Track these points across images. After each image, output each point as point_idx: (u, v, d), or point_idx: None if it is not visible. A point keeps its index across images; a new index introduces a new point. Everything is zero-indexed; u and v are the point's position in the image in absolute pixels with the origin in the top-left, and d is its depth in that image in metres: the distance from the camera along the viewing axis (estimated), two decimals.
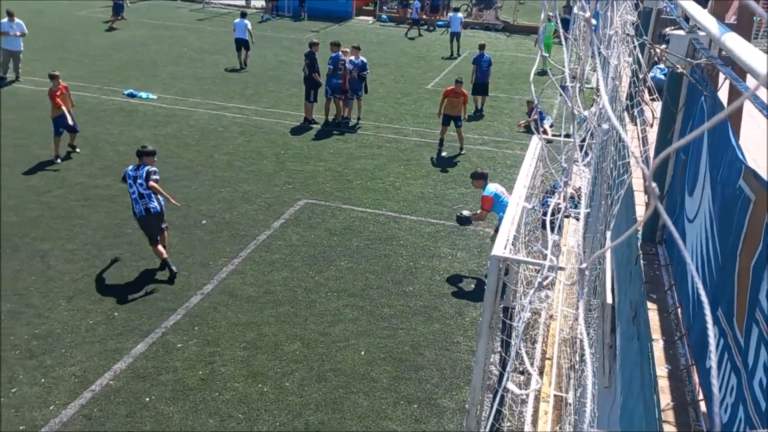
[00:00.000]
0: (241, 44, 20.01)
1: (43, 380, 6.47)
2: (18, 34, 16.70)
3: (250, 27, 19.94)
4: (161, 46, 22.75)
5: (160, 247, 8.49)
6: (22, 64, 17.17)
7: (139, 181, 8.28)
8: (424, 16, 30.66)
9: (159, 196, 8.43)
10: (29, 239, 9.13)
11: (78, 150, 12.47)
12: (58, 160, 11.95)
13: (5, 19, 16.66)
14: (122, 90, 16.75)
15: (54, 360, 6.78)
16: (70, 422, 5.98)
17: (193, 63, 20.65)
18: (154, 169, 8.46)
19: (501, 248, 4.26)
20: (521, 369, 5.75)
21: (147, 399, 6.36)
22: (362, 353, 7.29)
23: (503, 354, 5.76)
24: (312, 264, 9.11)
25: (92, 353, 6.93)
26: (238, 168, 12.34)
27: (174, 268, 8.43)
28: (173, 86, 17.68)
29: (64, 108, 11.85)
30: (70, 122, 11.98)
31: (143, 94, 16.50)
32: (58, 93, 11.90)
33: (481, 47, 17.08)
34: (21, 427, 5.87)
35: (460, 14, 25.90)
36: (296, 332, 7.59)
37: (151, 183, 8.26)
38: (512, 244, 4.49)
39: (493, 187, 8.61)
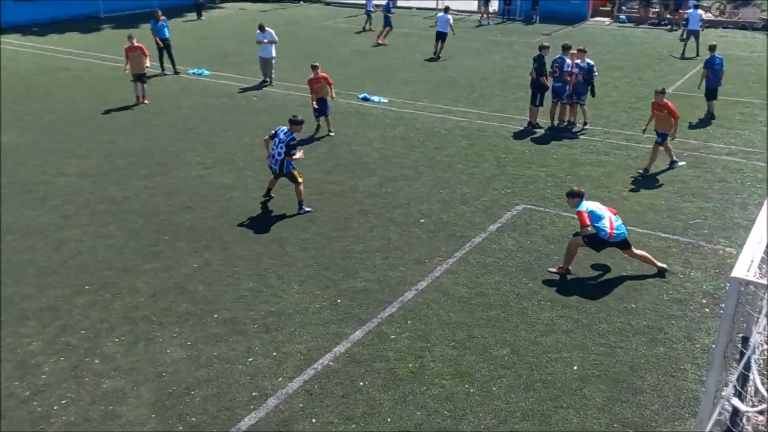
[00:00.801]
0: (440, 37, 22.62)
1: (274, 354, 7.19)
2: (266, 41, 18.77)
3: (451, 21, 22.82)
4: (397, 53, 23.98)
5: (298, 188, 10.63)
6: (274, 70, 19.27)
7: (281, 145, 10.34)
8: (668, 15, 28.35)
9: (288, 160, 10.40)
10: (271, 226, 10.21)
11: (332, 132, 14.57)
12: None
13: (258, 31, 18.87)
14: (358, 94, 17.98)
15: (285, 336, 7.48)
16: (294, 395, 6.56)
17: (423, 68, 21.46)
18: (295, 142, 10.41)
19: (743, 270, 3.77)
20: (761, 408, 5.02)
21: (361, 383, 6.73)
22: (575, 368, 6.96)
23: (739, 388, 5.09)
24: (526, 270, 8.92)
25: (317, 334, 7.53)
26: (459, 170, 12.53)
27: (306, 208, 10.60)
28: (403, 90, 18.54)
29: (314, 95, 14.43)
30: (315, 105, 14.42)
31: (376, 98, 17.55)
32: (315, 81, 14.28)
33: (712, 48, 15.67)
34: (254, 393, 6.57)
35: (700, 11, 23.56)
36: (506, 338, 7.49)
37: (296, 156, 10.47)
38: (758, 267, 3.94)
39: (588, 204, 8.62)
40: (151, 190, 11.56)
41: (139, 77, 17.01)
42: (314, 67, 14.47)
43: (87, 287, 8.44)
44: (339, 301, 8.23)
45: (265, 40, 18.76)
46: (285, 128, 10.58)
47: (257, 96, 18.04)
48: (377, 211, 10.80)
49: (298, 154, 10.56)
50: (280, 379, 6.78)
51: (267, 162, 10.84)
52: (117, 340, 7.39)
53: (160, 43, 19.95)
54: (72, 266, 8.95)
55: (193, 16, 32.02)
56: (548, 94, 14.85)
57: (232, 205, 10.96)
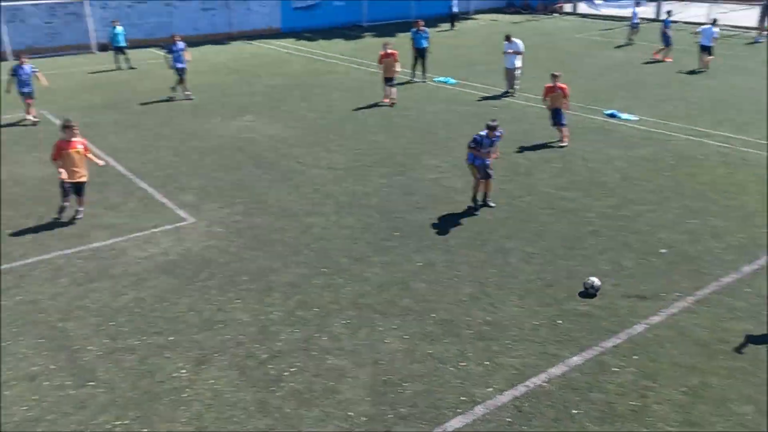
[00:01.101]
0: (704, 50, 21.54)
1: (486, 362, 7.15)
2: (511, 52, 18.70)
3: (716, 35, 21.22)
4: (653, 68, 22.42)
5: (489, 182, 11.10)
6: (519, 81, 19.17)
7: (485, 148, 10.82)
8: None
9: (487, 159, 10.90)
10: (497, 236, 10.17)
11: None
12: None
13: (505, 42, 18.90)
14: (603, 110, 17.13)
15: (499, 347, 7.41)
16: (503, 408, 6.46)
17: (682, 85, 19.75)
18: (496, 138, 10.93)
19: None
20: None
21: (574, 411, 6.40)
22: None
23: None
24: None
25: (531, 351, 7.33)
26: (712, 200, 11.29)
27: (491, 203, 11.09)
28: (657, 108, 17.24)
29: (549, 102, 14.41)
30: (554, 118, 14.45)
31: (624, 115, 16.55)
32: (551, 90, 14.27)
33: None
34: (462, 397, 6.61)
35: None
36: (751, 394, 6.56)
37: (493, 156, 11.06)
38: None
39: None
40: (389, 188, 12.23)
41: (389, 80, 18.13)
42: (554, 76, 14.25)
43: (324, 270, 9.21)
44: (559, 321, 7.91)
45: (510, 51, 18.76)
46: (484, 132, 10.89)
47: (498, 105, 18.11)
48: (611, 233, 10.18)
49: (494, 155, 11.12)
50: (489, 389, 6.72)
51: (473, 169, 11.07)
52: (344, 322, 7.95)
53: (416, 52, 21.02)
54: (314, 249, 9.83)
55: (446, 25, 33.25)
56: None
57: (461, 210, 11.14)
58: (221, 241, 10.10)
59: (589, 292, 8.43)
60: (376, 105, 18.31)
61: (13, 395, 6.67)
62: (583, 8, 38.65)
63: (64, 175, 10.43)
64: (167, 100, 19.08)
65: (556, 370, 7.01)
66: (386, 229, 10.47)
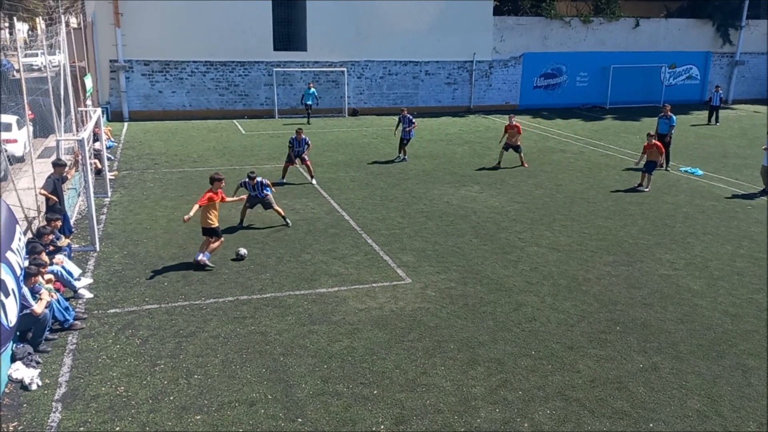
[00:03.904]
0: None
1: None
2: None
3: None
4: None
5: None
6: None
7: None
8: None
9: None
10: (737, 350, 8.96)
11: None
12: None
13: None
14: None
15: None
16: None
17: None
18: None
19: None
20: None
21: None
22: None
23: None
24: None
25: None
26: None
27: None
28: None
29: None
30: None
31: None
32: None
33: None
34: None
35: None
36: None
37: None
38: None
39: None
40: (613, 277, 11.51)
41: (649, 165, 17.61)
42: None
43: (533, 352, 8.86)
44: None
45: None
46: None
47: (752, 205, 16.26)
48: None
49: None
50: None
51: None
52: (548, 412, 7.51)
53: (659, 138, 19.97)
54: (525, 329, 9.54)
55: (703, 115, 30.83)
56: None
57: (695, 314, 10.05)
58: (433, 305, 10.27)
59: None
60: (609, 188, 17.56)
61: (233, 416, 7.34)
62: None
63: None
64: (398, 161, 20.31)
65: None
66: (605, 321, 9.81)
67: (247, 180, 13.85)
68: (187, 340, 9.03)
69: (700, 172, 19.51)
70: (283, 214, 14.10)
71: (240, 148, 22.94)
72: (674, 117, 20.11)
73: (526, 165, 20.13)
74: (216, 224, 11.62)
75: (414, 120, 20.96)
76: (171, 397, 7.67)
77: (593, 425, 7.27)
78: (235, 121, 29.14)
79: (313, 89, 28.68)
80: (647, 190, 17.63)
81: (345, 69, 30.95)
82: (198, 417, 7.30)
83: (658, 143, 17.86)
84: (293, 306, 10.19)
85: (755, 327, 9.63)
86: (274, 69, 29.94)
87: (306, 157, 17.78)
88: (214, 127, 27.30)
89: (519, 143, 20.22)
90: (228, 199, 12.12)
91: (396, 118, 22.93)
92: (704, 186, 18.11)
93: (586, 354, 8.83)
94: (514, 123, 19.92)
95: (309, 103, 28.54)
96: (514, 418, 7.38)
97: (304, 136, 17.84)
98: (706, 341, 9.21)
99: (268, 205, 14.02)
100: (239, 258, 11.99)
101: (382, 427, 7.17)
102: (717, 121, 29.51)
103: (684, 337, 9.33)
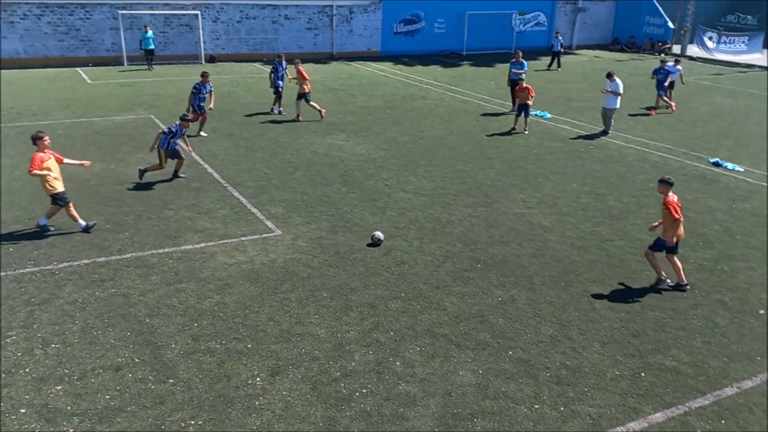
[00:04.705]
0: None
1: (562, 408, 6.90)
2: (609, 90, 18.21)
3: None
4: (764, 118, 21.28)
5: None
6: (614, 120, 18.68)
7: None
8: None
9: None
10: (583, 279, 9.85)
11: None
12: None
13: (608, 80, 18.41)
14: (708, 158, 16.38)
15: (576, 394, 7.14)
16: None
17: None
18: None
19: None
20: None
21: None
22: None
23: None
24: None
25: (610, 402, 7.01)
26: None
27: None
28: (765, 160, 16.31)
29: None
30: None
31: (729, 165, 15.76)
32: None
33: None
34: None
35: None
36: None
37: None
38: None
39: None
40: (474, 218, 12.13)
41: (522, 107, 18.66)
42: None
43: (402, 294, 9.20)
44: (643, 374, 7.54)
45: (609, 89, 18.31)
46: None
47: (594, 144, 17.67)
48: (706, 288, 9.66)
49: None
50: None
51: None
52: (418, 349, 7.90)
53: (511, 83, 20.99)
54: (394, 272, 9.86)
55: (548, 60, 32.65)
56: None
57: (547, 248, 10.89)
58: (305, 255, 10.30)
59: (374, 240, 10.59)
60: (467, 134, 18.30)
61: (98, 383, 7.01)
62: (693, 51, 37.25)
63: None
64: (265, 113, 19.82)
65: (635, 426, 6.67)
66: (468, 260, 10.37)
67: (178, 124, 13.38)
68: (40, 309, 8.42)
69: (549, 116, 20.81)
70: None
71: (86, 98, 21.20)
72: (525, 63, 21.13)
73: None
74: (58, 190, 10.48)
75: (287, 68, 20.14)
76: (26, 369, 7.17)
77: (459, 357, 7.74)
78: (78, 69, 26.80)
79: (150, 32, 26.86)
80: (527, 132, 18.58)
81: (199, 12, 29.30)
82: (59, 387, 6.90)
83: (528, 86, 18.75)
84: (157, 265, 9.78)
85: (598, 257, 10.61)
86: (120, 12, 27.69)
87: (206, 107, 16.97)
88: (54, 77, 24.96)
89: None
90: (67, 161, 10.91)
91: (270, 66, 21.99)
92: (552, 128, 19.37)
93: (451, 292, 9.32)
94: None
95: (150, 47, 26.80)
96: (386, 358, 7.68)
97: (209, 82, 16.94)
98: (556, 272, 10.03)
99: (176, 155, 13.50)
100: (376, 243, 10.76)
101: (258, 379, 7.19)
102: (559, 66, 31.36)
103: (537, 269, 10.10)
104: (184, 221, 11.45)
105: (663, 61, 21.97)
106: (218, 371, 7.30)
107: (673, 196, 9.33)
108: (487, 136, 18.21)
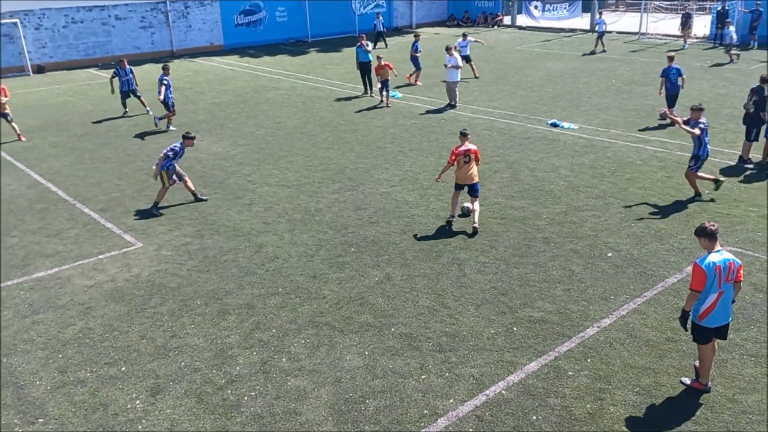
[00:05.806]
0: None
1: (447, 374, 7.20)
2: (450, 65, 19.00)
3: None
4: (591, 78, 23.16)
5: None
6: (460, 93, 19.55)
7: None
8: None
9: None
10: (451, 247, 10.29)
11: None
12: None
13: (447, 56, 19.12)
14: (546, 120, 17.59)
15: (458, 358, 7.48)
16: (465, 419, 6.51)
17: (620, 95, 20.45)
18: None
19: None
20: None
21: (534, 417, 6.51)
22: None
23: None
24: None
25: (490, 360, 7.42)
26: (653, 204, 11.71)
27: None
28: (596, 117, 17.80)
29: None
30: None
31: (565, 124, 17.03)
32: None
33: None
34: (425, 411, 6.63)
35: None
36: (699, 392, 6.81)
37: None
38: None
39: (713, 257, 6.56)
40: (341, 203, 12.23)
41: (384, 83, 19.76)
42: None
43: (280, 289, 9.12)
44: (515, 329, 8.05)
45: (449, 65, 19.06)
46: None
47: (445, 118, 18.37)
48: (560, 240, 10.44)
49: None
50: (451, 401, 6.77)
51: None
52: (303, 341, 7.88)
53: (360, 66, 21.25)
54: (268, 269, 9.73)
55: (392, 41, 33.34)
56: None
57: (414, 223, 11.23)
58: (171, 265, 9.88)
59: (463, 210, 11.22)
60: (324, 120, 18.32)
61: None
62: (522, 20, 39.64)
63: None
64: (107, 120, 18.62)
65: (514, 378, 7.11)
66: (341, 245, 10.45)
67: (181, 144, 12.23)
68: None
69: (399, 95, 21.32)
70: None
71: None
72: (370, 44, 21.46)
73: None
74: None
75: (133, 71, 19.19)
76: None
77: (344, 342, 7.83)
78: None
79: None
80: (390, 106, 19.67)
81: (18, 20, 26.81)
82: None
83: (388, 63, 19.78)
84: (7, 299, 8.96)
85: (461, 225, 11.11)
86: None
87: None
88: None
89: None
90: None
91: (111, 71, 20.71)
92: (405, 106, 19.88)
93: (329, 279, 9.37)
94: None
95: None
96: (271, 356, 7.60)
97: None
98: (426, 245, 10.39)
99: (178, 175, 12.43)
100: (465, 214, 11.36)
101: (138, 402, 6.84)
102: (386, 45, 32.15)
103: (408, 245, 10.40)
104: (31, 247, 10.55)
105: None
106: (93, 401, 6.86)
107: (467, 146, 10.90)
108: (344, 120, 18.36)
